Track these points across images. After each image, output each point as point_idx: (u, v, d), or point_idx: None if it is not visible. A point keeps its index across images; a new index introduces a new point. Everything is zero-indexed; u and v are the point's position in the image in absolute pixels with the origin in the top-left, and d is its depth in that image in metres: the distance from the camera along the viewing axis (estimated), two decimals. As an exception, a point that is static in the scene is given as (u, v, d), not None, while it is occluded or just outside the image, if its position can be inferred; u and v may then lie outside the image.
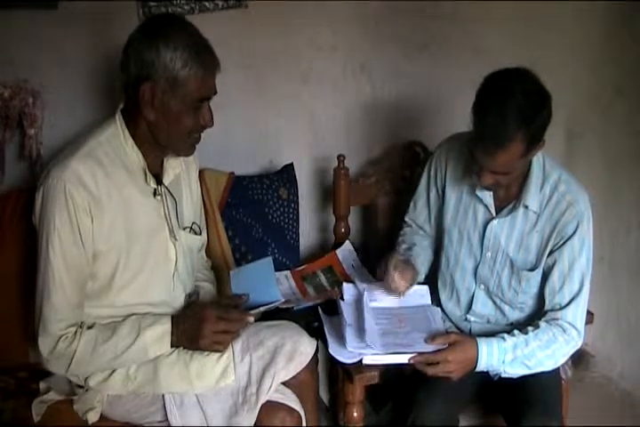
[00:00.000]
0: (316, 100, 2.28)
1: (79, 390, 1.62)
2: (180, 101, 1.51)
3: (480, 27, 2.35)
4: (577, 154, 2.62)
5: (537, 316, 1.76)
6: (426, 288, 1.88)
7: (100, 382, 1.60)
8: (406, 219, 1.99)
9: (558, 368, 1.79)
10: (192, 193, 1.76)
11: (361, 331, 1.67)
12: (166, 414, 1.58)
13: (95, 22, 1.95)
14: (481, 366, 1.65)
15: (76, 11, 1.90)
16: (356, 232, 2.35)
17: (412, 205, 1.97)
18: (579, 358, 2.61)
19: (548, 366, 1.69)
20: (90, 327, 1.56)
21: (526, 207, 1.71)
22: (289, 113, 2.26)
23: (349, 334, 1.68)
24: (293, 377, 1.63)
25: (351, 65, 2.28)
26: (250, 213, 2.13)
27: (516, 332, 1.69)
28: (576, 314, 1.70)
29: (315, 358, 1.69)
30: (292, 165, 2.21)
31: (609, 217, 2.56)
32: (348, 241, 2.18)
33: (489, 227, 1.76)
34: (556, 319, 1.69)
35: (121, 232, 1.56)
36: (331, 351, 1.69)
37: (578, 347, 1.73)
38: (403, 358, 1.65)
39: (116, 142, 1.57)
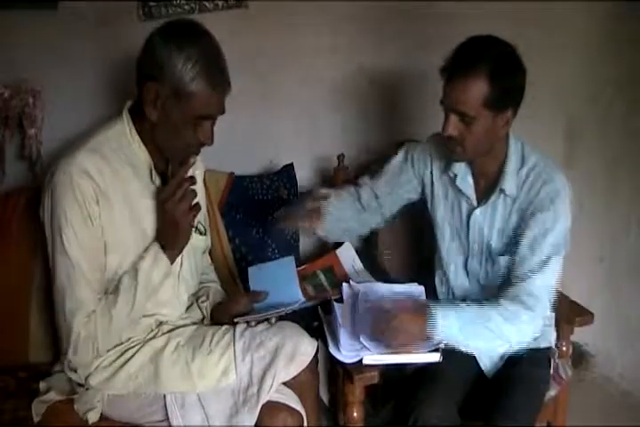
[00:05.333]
0: (316, 99, 2.28)
1: (80, 388, 1.62)
2: (181, 113, 1.50)
3: (480, 27, 2.34)
4: (577, 154, 2.62)
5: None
6: (421, 289, 1.87)
7: (101, 382, 1.60)
8: (360, 181, 1.95)
9: (549, 372, 1.80)
10: (199, 193, 1.76)
11: (356, 332, 1.67)
12: (167, 414, 1.58)
13: (95, 22, 1.95)
14: (436, 335, 1.59)
15: (76, 11, 1.90)
16: (355, 232, 2.35)
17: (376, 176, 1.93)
18: (579, 358, 2.61)
19: (513, 340, 1.65)
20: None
21: (503, 191, 1.70)
22: (289, 113, 2.26)
23: (343, 336, 1.68)
24: (294, 377, 1.62)
25: (351, 65, 2.28)
26: (250, 213, 2.13)
27: (475, 302, 1.65)
28: (540, 286, 1.64)
29: (315, 358, 1.69)
30: (291, 165, 2.21)
31: (609, 217, 2.56)
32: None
33: (472, 218, 1.77)
34: (518, 296, 1.64)
35: (126, 228, 1.56)
36: (331, 351, 1.69)
37: (541, 319, 1.67)
38: (403, 358, 1.65)
39: (123, 139, 1.57)
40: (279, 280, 1.70)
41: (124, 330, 1.58)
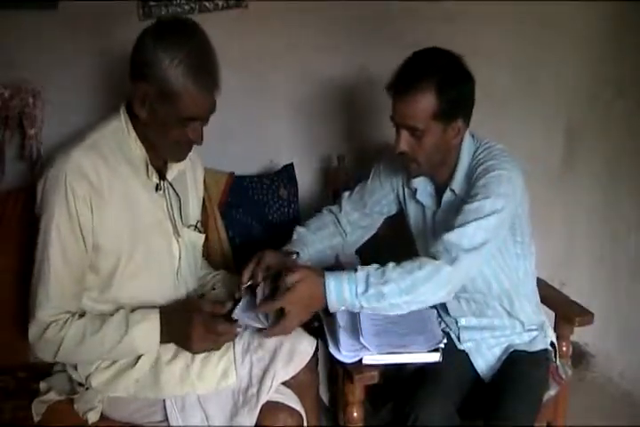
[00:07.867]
0: (316, 99, 2.28)
1: (80, 388, 1.62)
2: (169, 112, 1.49)
3: (480, 27, 2.35)
4: (577, 154, 2.62)
5: (507, 294, 1.77)
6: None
7: (102, 383, 1.60)
8: (339, 206, 1.93)
9: (549, 371, 1.80)
10: (198, 192, 1.77)
11: (356, 332, 1.67)
12: (167, 414, 1.58)
13: (95, 22, 1.95)
14: (332, 304, 1.56)
15: (76, 11, 1.91)
16: (355, 232, 2.35)
17: (354, 194, 1.93)
18: (579, 358, 2.61)
19: (412, 297, 1.55)
20: (81, 316, 1.55)
21: (453, 191, 1.72)
22: (289, 113, 2.27)
23: (343, 336, 1.68)
24: (293, 377, 1.62)
25: (351, 65, 2.28)
26: (250, 213, 2.13)
27: (374, 264, 1.59)
28: (451, 242, 1.57)
29: (315, 357, 1.69)
30: (291, 165, 2.22)
31: (609, 217, 2.56)
32: (347, 241, 2.18)
33: (436, 224, 1.79)
34: (433, 253, 1.58)
35: (123, 226, 1.55)
36: (331, 351, 1.69)
37: (447, 272, 1.56)
38: (403, 358, 1.65)
39: (120, 136, 1.57)
40: None
41: (86, 358, 1.58)
